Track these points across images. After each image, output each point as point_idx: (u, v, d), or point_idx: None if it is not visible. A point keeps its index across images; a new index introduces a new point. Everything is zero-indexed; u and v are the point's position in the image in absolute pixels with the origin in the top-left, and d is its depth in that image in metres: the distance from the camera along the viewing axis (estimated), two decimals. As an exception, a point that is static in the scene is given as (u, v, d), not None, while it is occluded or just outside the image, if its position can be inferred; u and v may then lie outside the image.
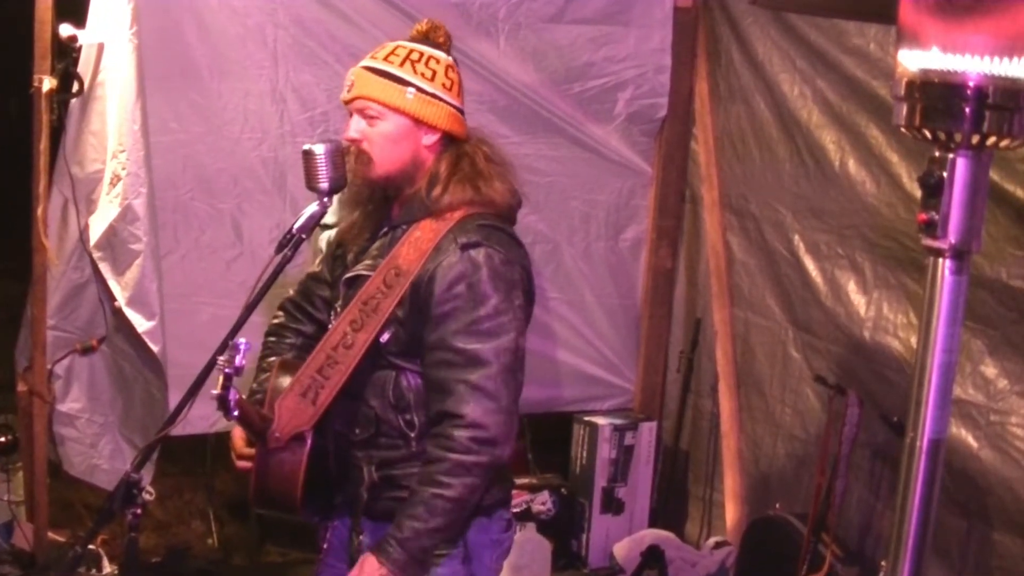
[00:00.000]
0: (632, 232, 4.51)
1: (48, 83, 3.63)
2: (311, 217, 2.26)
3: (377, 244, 2.41)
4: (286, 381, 2.34)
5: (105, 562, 3.89)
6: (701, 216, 4.38)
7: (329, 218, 3.15)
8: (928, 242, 1.53)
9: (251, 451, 2.38)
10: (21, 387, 3.91)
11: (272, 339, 2.59)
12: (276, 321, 2.62)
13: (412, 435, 2.33)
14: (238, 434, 2.44)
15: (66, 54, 3.66)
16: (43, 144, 3.67)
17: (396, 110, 2.33)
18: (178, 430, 2.32)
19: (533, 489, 4.26)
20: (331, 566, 2.50)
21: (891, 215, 3.55)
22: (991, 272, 3.14)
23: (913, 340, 3.37)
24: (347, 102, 2.38)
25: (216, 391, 2.07)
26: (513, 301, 2.30)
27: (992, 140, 1.49)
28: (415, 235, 2.33)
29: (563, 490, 4.33)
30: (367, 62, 2.38)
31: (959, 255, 1.52)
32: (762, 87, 4.08)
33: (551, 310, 4.37)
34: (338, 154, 2.28)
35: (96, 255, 3.80)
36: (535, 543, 4.14)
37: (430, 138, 2.36)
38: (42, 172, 3.69)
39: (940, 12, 1.47)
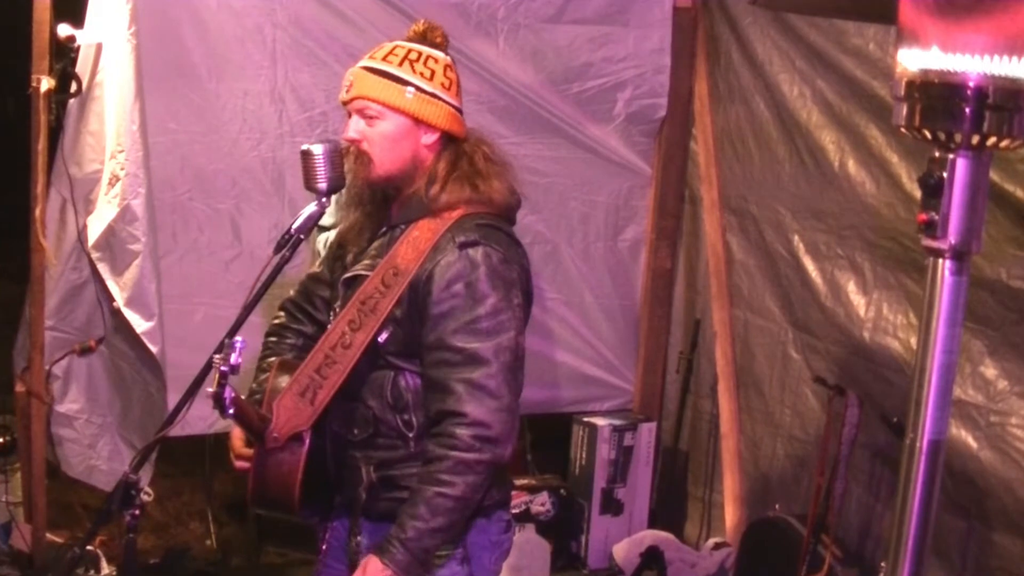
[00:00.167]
0: (631, 232, 4.50)
1: (46, 83, 3.63)
2: (309, 217, 2.26)
3: (376, 244, 2.40)
4: (285, 381, 2.34)
5: (103, 563, 3.89)
6: (700, 216, 4.38)
7: (327, 219, 3.17)
8: (928, 243, 1.52)
9: (250, 452, 2.37)
10: (19, 388, 3.91)
11: (272, 339, 2.59)
12: (276, 322, 2.62)
13: (411, 435, 2.33)
14: (237, 435, 2.44)
15: (64, 54, 3.66)
16: (41, 144, 3.67)
17: (396, 109, 2.32)
18: (176, 431, 2.32)
19: (532, 490, 4.26)
20: (330, 567, 2.49)
21: (891, 215, 3.54)
22: (991, 273, 3.13)
23: (913, 341, 3.37)
24: (346, 102, 2.38)
25: (211, 389, 2.06)
26: (512, 300, 2.29)
27: (992, 140, 1.48)
28: (413, 235, 2.33)
29: (562, 491, 4.32)
30: (366, 62, 2.38)
31: (959, 256, 1.52)
32: (761, 87, 4.08)
33: (550, 311, 4.37)
34: (337, 154, 2.28)
35: (94, 255, 3.79)
36: (534, 544, 4.13)
37: (429, 137, 2.36)
38: (40, 172, 3.69)
39: (940, 12, 1.47)
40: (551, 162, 4.28)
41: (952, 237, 1.50)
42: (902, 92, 1.52)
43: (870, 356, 3.61)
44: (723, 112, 4.27)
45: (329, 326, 2.39)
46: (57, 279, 3.87)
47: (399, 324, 2.31)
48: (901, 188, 3.49)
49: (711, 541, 4.23)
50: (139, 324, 3.71)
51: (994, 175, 2.97)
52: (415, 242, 2.32)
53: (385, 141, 2.33)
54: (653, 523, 4.44)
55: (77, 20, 3.68)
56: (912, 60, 1.50)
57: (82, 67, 3.75)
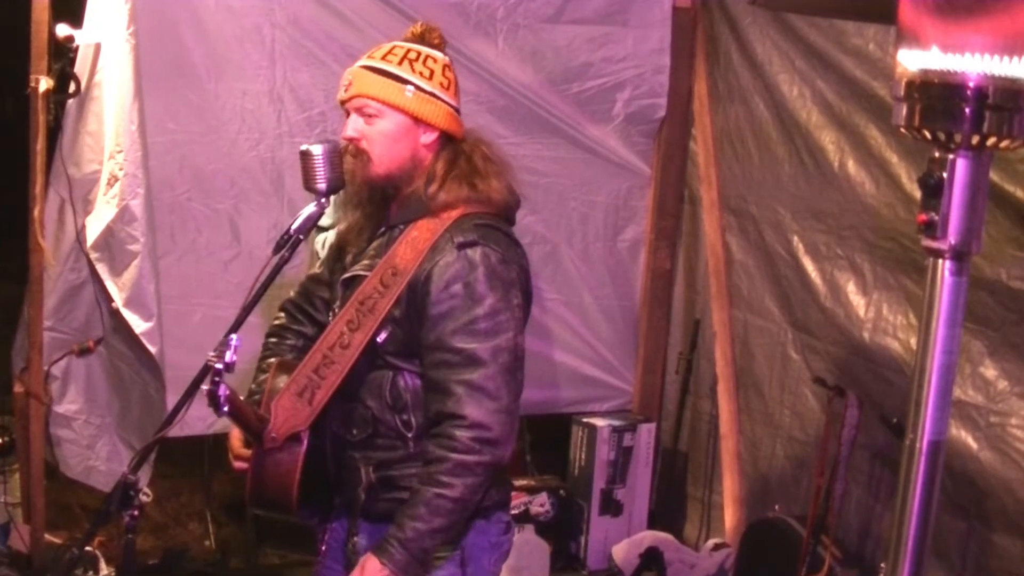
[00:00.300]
0: (631, 233, 4.50)
1: (45, 83, 3.63)
2: (308, 218, 2.26)
3: (375, 244, 2.40)
4: (283, 382, 2.34)
5: (102, 564, 3.88)
6: (700, 217, 4.38)
7: (326, 220, 3.17)
8: (928, 243, 1.52)
9: (248, 452, 2.37)
10: (18, 388, 3.90)
11: (273, 340, 2.59)
12: (277, 323, 2.62)
13: (410, 436, 2.32)
14: (236, 435, 2.44)
15: (63, 54, 3.66)
16: (40, 145, 3.67)
17: (395, 108, 2.32)
18: (175, 431, 2.31)
19: (531, 491, 4.26)
20: (329, 568, 2.49)
21: (891, 216, 3.54)
22: (991, 273, 3.13)
23: (913, 341, 3.37)
24: (344, 101, 2.38)
25: (205, 386, 2.06)
26: (511, 300, 2.29)
27: (992, 141, 1.48)
28: (412, 235, 2.33)
29: (561, 492, 4.32)
30: (365, 61, 2.38)
31: (959, 256, 1.51)
32: (761, 87, 4.07)
33: (549, 311, 4.37)
34: (336, 154, 2.28)
35: (93, 256, 3.79)
36: (533, 545, 4.13)
37: (428, 136, 2.36)
38: (39, 173, 3.69)
39: (940, 12, 1.46)
40: (550, 162, 4.28)
41: (952, 237, 1.50)
42: (902, 92, 1.51)
43: (870, 357, 3.61)
44: (722, 112, 4.27)
45: (328, 326, 2.39)
46: (56, 279, 3.87)
47: (398, 324, 2.30)
48: (901, 188, 3.49)
49: (710, 542, 4.23)
50: (138, 324, 3.70)
51: (994, 175, 2.97)
52: (414, 242, 2.32)
53: (384, 140, 2.33)
54: (652, 524, 4.43)
55: (76, 20, 3.68)
56: (912, 60, 1.50)
57: (81, 67, 3.75)
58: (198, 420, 3.62)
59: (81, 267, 3.88)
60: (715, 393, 4.26)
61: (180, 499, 4.72)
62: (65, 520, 4.30)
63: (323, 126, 3.86)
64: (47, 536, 3.96)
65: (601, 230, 4.45)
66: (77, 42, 3.67)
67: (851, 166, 3.70)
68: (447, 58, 2.41)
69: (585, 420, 4.41)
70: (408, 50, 2.36)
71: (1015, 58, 1.44)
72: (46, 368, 3.87)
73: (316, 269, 2.65)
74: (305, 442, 2.30)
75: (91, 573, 3.85)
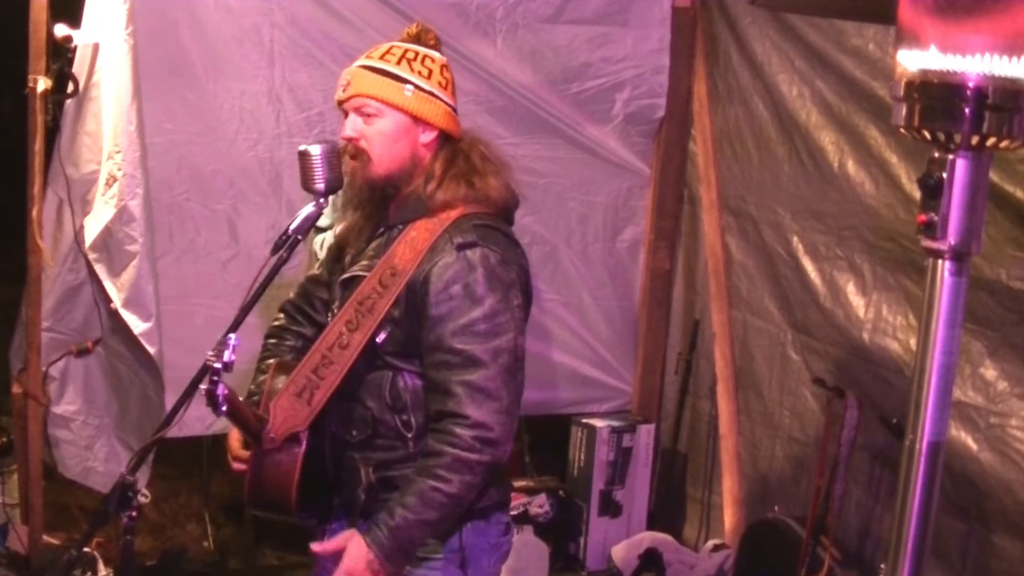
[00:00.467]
0: (630, 233, 4.50)
1: (43, 83, 3.62)
2: (307, 218, 2.26)
3: (374, 244, 2.40)
4: (282, 382, 2.34)
5: (100, 565, 3.87)
6: (699, 217, 4.37)
7: (324, 220, 3.17)
8: (927, 243, 1.52)
9: (247, 453, 2.37)
10: (16, 389, 3.90)
11: (272, 341, 2.59)
12: (276, 323, 2.61)
13: (409, 436, 2.32)
14: (234, 436, 2.43)
15: (61, 54, 3.65)
16: (38, 145, 3.66)
17: (395, 107, 2.32)
18: (174, 432, 2.31)
19: (530, 492, 4.25)
20: (328, 569, 2.47)
21: (890, 216, 3.54)
22: (991, 273, 3.13)
23: (912, 342, 3.36)
24: (342, 102, 2.37)
25: (204, 386, 2.06)
26: (511, 301, 2.29)
27: (992, 141, 1.48)
28: (411, 235, 2.32)
29: (561, 493, 4.32)
30: (363, 61, 2.38)
31: (959, 256, 1.51)
32: (760, 88, 4.07)
33: (549, 312, 4.36)
34: (334, 155, 2.28)
35: (92, 256, 3.78)
36: (532, 546, 4.12)
37: (427, 136, 2.36)
38: (37, 173, 3.68)
39: (939, 12, 1.46)
40: (549, 162, 4.28)
41: (952, 238, 1.49)
42: (901, 92, 1.51)
43: (869, 357, 3.60)
44: (722, 112, 4.26)
45: (327, 327, 2.38)
46: (54, 280, 3.86)
47: (397, 324, 2.30)
48: (900, 189, 3.48)
49: (710, 543, 4.23)
50: (136, 325, 3.70)
51: (994, 176, 2.97)
52: (413, 242, 2.31)
53: (384, 139, 2.33)
54: (652, 525, 4.43)
55: (74, 20, 3.67)
56: (911, 60, 1.49)
57: (79, 67, 3.75)
58: (196, 421, 3.62)
59: (79, 267, 3.88)
60: (714, 394, 4.26)
61: (178, 500, 4.71)
62: (63, 521, 4.30)
63: (322, 126, 3.86)
64: (45, 537, 3.96)
65: (600, 230, 4.44)
66: (75, 42, 3.66)
67: (851, 166, 3.70)
68: (444, 58, 2.41)
69: (584, 421, 4.40)
70: (406, 50, 2.36)
71: (1015, 58, 1.43)
72: (44, 369, 3.86)
73: (315, 270, 2.65)
74: (304, 443, 2.29)
75: (89, 574, 3.84)
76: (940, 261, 1.51)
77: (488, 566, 2.40)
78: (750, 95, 4.12)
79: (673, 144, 4.44)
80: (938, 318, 1.52)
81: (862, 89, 3.62)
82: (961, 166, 1.49)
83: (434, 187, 2.33)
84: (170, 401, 3.57)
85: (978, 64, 1.44)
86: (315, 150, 2.25)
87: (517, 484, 4.13)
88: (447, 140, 2.38)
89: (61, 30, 3.61)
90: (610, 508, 4.37)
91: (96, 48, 3.73)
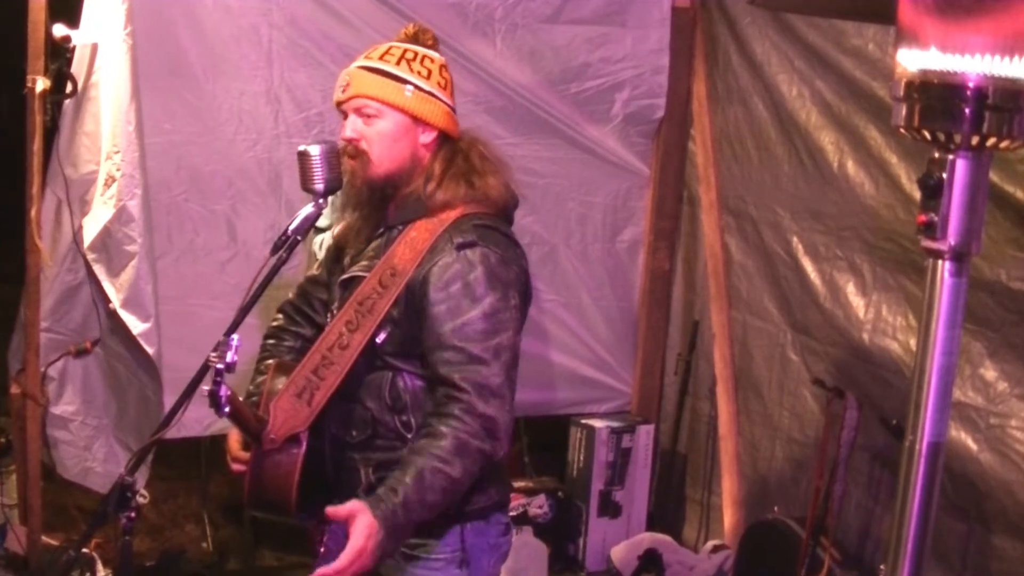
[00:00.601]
0: (629, 234, 4.50)
1: (42, 84, 3.62)
2: (306, 218, 2.25)
3: (373, 245, 2.40)
4: (282, 383, 2.33)
5: (99, 566, 3.87)
6: (699, 217, 4.37)
7: (323, 221, 3.16)
8: (927, 244, 1.51)
9: (246, 454, 2.36)
10: (14, 390, 3.90)
11: (271, 342, 2.58)
12: (275, 324, 2.61)
13: (409, 436, 2.31)
14: (234, 436, 2.43)
15: (60, 54, 3.65)
16: (36, 145, 3.66)
17: (395, 107, 2.32)
18: (173, 433, 2.30)
19: (530, 492, 4.25)
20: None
21: (890, 216, 3.54)
22: (991, 274, 3.13)
23: (912, 342, 3.36)
24: (342, 102, 2.37)
25: (206, 387, 2.05)
26: (509, 300, 2.28)
27: (992, 141, 1.47)
28: (411, 235, 2.32)
29: (560, 493, 4.31)
30: (362, 62, 2.37)
31: (959, 257, 1.50)
32: (760, 88, 4.07)
33: (548, 312, 4.36)
34: (333, 155, 2.28)
35: (90, 257, 3.78)
36: (532, 547, 4.12)
37: (427, 136, 2.36)
38: (35, 173, 3.68)
39: (939, 12, 1.46)
40: (549, 163, 4.28)
41: (952, 238, 1.49)
42: (901, 92, 1.51)
43: (869, 358, 3.60)
44: (721, 113, 4.26)
45: (326, 327, 2.38)
46: (53, 280, 3.86)
47: (397, 324, 2.30)
48: (900, 189, 3.48)
49: (709, 543, 4.23)
50: (135, 325, 3.70)
51: (994, 176, 2.96)
52: (412, 242, 2.31)
53: (384, 139, 2.33)
54: (651, 525, 4.43)
55: (73, 20, 3.67)
56: (911, 60, 1.49)
57: (78, 67, 3.74)
58: (195, 422, 3.62)
59: (78, 268, 3.88)
60: (714, 394, 4.26)
61: (177, 501, 4.71)
62: (62, 522, 4.29)
63: (321, 126, 3.86)
64: (44, 538, 3.96)
65: (600, 231, 4.44)
66: (74, 42, 3.66)
67: (850, 167, 3.70)
68: (443, 58, 2.41)
69: (583, 421, 4.40)
70: (405, 50, 2.36)
71: (1015, 58, 1.43)
72: (43, 369, 3.86)
73: (314, 270, 2.65)
74: (304, 443, 2.29)
75: (88, 575, 3.84)
76: (940, 261, 1.51)
77: (488, 566, 2.39)
78: (750, 95, 4.12)
79: (672, 144, 4.44)
80: (938, 319, 1.52)
81: (862, 89, 3.62)
82: (961, 166, 1.48)
83: (434, 187, 2.33)
84: (169, 402, 3.57)
85: (978, 64, 1.44)
86: (314, 150, 2.25)
87: (516, 485, 4.13)
88: (446, 140, 2.38)
89: (60, 30, 3.61)
90: (609, 509, 4.37)
91: (95, 48, 3.73)
